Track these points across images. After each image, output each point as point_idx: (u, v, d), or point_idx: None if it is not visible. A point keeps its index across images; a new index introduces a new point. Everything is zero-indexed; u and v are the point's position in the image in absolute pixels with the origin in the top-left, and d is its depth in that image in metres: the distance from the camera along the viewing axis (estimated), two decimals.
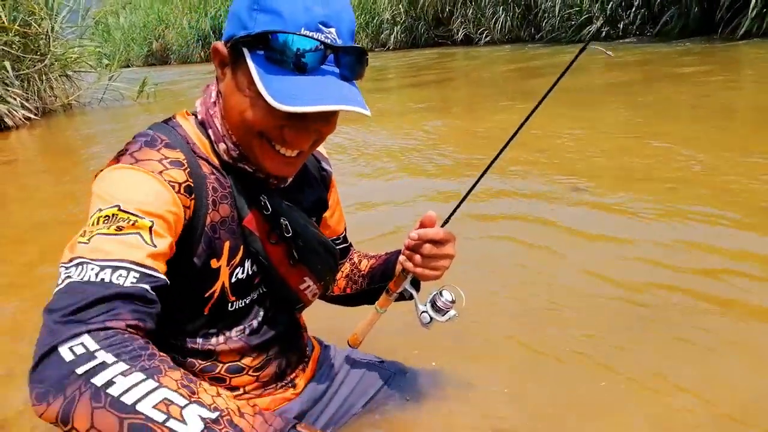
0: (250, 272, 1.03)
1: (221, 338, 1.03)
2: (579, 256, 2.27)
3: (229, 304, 1.02)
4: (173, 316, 0.97)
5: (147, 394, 0.64)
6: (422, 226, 1.11)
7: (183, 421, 0.63)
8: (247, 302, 1.05)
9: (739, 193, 2.71)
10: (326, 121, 0.92)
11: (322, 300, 1.40)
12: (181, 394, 0.65)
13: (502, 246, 2.50)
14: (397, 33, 17.08)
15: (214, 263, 0.96)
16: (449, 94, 7.88)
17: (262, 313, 1.08)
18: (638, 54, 8.87)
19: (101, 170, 0.90)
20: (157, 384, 0.65)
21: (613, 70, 7.43)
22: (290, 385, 1.17)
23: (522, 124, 1.15)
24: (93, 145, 6.57)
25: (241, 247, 1.00)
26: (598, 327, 1.75)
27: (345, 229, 1.35)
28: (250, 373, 1.08)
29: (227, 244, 0.98)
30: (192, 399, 0.65)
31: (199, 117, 1.00)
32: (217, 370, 1.05)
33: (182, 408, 0.64)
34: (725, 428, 1.30)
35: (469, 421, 1.37)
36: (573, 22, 11.79)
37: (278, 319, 1.12)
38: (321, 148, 1.18)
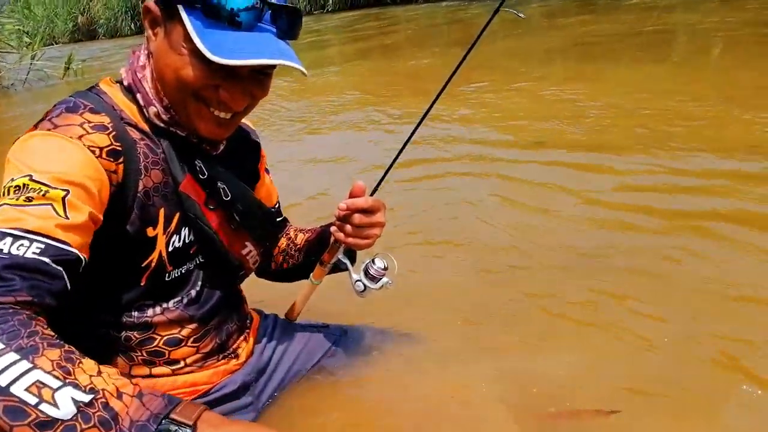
0: (186, 240, 1.01)
1: (158, 309, 1.01)
2: (516, 210, 2.32)
3: (167, 274, 0.99)
4: (109, 288, 0.95)
5: (20, 376, 0.62)
6: (351, 195, 1.12)
7: (55, 405, 0.61)
8: (183, 272, 1.03)
9: (676, 136, 2.81)
10: (260, 84, 0.93)
11: (260, 277, 1.39)
12: (55, 376, 0.63)
13: (441, 199, 2.53)
14: None
15: (150, 231, 0.94)
16: (387, 56, 7.79)
17: (200, 284, 1.06)
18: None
19: (18, 137, 0.86)
20: (30, 365, 0.63)
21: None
22: (233, 355, 1.16)
23: (442, 89, 1.20)
24: (20, 127, 6.22)
25: (177, 214, 0.98)
26: (542, 277, 1.80)
27: (278, 203, 1.33)
28: (189, 344, 1.06)
29: (162, 211, 0.95)
30: (67, 380, 0.63)
31: (125, 82, 0.97)
32: (155, 344, 1.02)
33: (54, 391, 0.62)
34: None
35: (416, 377, 1.39)
36: None
37: (217, 289, 1.10)
38: (247, 121, 1.17)
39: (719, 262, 1.72)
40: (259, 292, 1.42)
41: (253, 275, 1.28)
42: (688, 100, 3.30)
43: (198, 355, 1.09)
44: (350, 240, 1.13)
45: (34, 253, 0.73)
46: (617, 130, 3.01)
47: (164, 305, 1.02)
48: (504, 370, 1.37)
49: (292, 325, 1.37)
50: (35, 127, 0.86)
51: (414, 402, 1.29)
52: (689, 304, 1.55)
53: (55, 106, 0.89)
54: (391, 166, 1.22)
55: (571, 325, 1.53)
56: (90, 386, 0.64)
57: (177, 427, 0.64)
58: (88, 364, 0.67)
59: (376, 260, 1.21)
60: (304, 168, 3.28)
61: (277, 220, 1.32)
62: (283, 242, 1.37)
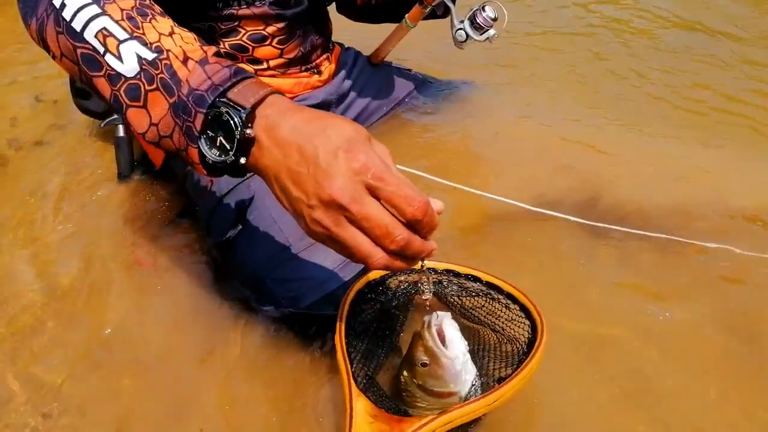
0: None
1: (243, 3, 0.97)
2: None
3: None
4: None
5: (89, 20, 0.57)
6: None
7: (119, 58, 0.56)
8: None
9: None
10: None
11: (341, 13, 1.30)
12: (122, 27, 0.57)
13: None
14: None
15: None
16: None
17: None
18: None
19: None
20: (99, 11, 0.58)
21: None
22: (315, 71, 1.13)
23: None
24: None
25: None
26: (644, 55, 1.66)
27: None
28: (273, 44, 1.03)
29: None
30: (134, 34, 0.57)
31: None
32: (239, 37, 0.99)
33: (120, 42, 0.56)
34: None
35: (495, 127, 1.33)
36: None
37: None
38: None
39: None
40: (341, 32, 1.34)
41: (333, 10, 1.21)
42: None
43: (281, 60, 1.05)
44: None
45: None
46: None
47: (251, 1, 0.97)
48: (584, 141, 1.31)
49: (375, 64, 1.31)
50: None
51: (490, 150, 1.27)
52: None
53: None
54: None
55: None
56: (157, 45, 0.57)
57: (228, 110, 0.51)
58: (163, 22, 0.60)
59: (487, 8, 1.08)
60: None
61: None
62: None
